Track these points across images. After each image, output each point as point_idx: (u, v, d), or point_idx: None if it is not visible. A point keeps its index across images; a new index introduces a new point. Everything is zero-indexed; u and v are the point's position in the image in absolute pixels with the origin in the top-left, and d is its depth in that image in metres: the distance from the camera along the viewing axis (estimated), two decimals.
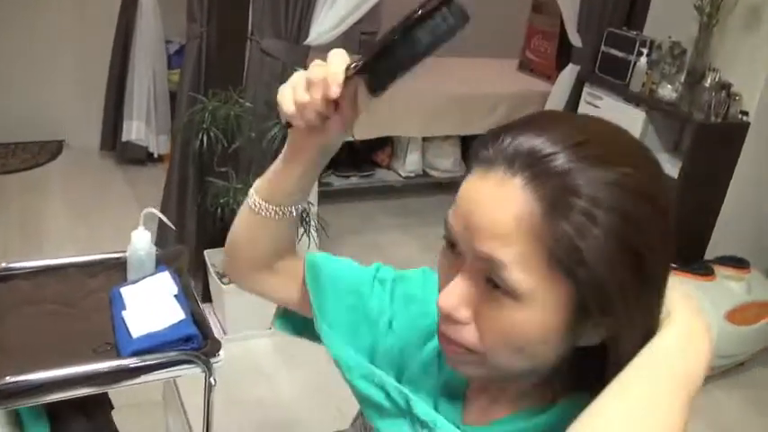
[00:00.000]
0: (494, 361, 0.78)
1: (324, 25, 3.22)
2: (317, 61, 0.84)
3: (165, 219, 2.08)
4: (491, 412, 0.90)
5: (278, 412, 2.94)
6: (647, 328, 0.75)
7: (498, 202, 0.72)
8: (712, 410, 3.25)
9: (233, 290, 3.21)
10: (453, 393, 0.95)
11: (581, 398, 0.76)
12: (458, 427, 0.89)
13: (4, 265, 1.96)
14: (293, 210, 1.00)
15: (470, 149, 0.80)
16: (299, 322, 1.18)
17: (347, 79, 0.81)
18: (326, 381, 3.13)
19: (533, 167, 0.71)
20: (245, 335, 3.36)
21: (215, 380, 1.79)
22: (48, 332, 1.79)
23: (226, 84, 3.16)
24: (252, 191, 1.01)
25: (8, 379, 1.57)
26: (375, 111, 4.27)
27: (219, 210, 3.08)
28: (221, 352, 1.81)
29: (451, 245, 0.80)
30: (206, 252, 3.38)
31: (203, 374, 1.80)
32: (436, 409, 0.93)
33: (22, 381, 1.59)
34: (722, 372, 3.46)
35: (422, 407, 0.91)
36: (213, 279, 3.27)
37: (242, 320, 3.34)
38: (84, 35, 4.88)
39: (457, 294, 0.77)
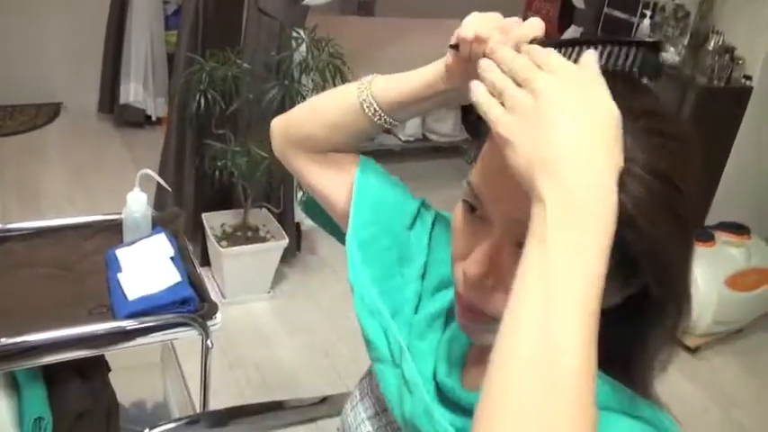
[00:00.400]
0: None
1: None
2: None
3: (160, 180, 2.06)
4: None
5: (276, 375, 2.94)
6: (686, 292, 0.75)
7: None
8: (710, 376, 3.26)
9: (231, 253, 3.20)
10: (454, 354, 0.92)
11: None
12: (454, 390, 0.87)
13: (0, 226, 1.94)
14: (392, 122, 0.97)
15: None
16: (327, 215, 1.13)
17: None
18: (325, 344, 3.14)
19: None
20: (243, 298, 3.36)
21: (212, 342, 1.78)
22: (43, 295, 1.77)
23: (223, 44, 3.12)
24: (366, 84, 0.97)
25: (3, 341, 1.55)
26: (374, 72, 4.24)
27: (217, 172, 3.06)
28: (218, 315, 1.79)
29: (472, 208, 0.76)
30: (204, 215, 3.37)
31: (200, 337, 1.78)
32: (435, 367, 0.91)
33: (18, 343, 1.58)
34: (721, 338, 3.46)
35: (409, 367, 0.89)
36: (212, 242, 3.26)
37: (241, 284, 3.34)
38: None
39: (485, 261, 0.73)
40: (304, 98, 3.07)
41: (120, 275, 1.78)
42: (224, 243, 3.26)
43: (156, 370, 2.37)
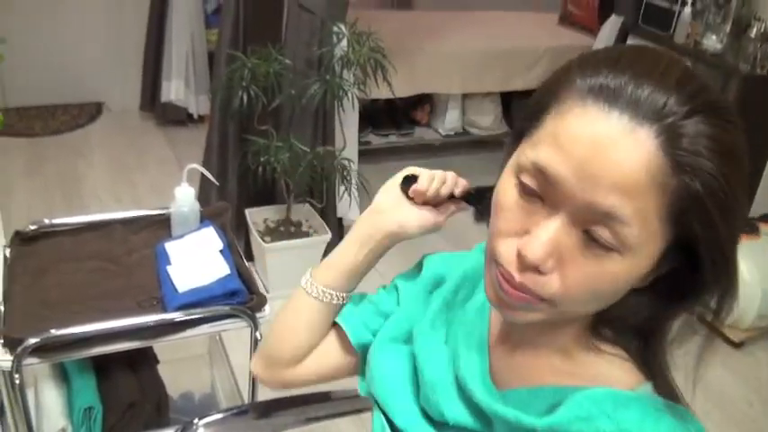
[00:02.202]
0: (566, 307, 0.76)
1: None
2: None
3: (209, 174, 2.08)
4: (516, 365, 0.89)
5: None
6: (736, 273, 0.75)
7: (628, 153, 0.66)
8: (754, 370, 3.22)
9: (274, 248, 3.22)
10: (477, 340, 0.94)
11: (596, 392, 0.78)
12: (484, 382, 0.88)
13: (46, 221, 1.97)
14: (345, 296, 1.09)
15: (562, 78, 0.74)
16: None
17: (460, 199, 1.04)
18: None
19: (663, 121, 0.67)
20: (286, 293, 3.35)
21: (261, 334, 1.80)
22: (92, 287, 1.80)
23: (265, 41, 3.14)
24: (309, 281, 1.09)
25: (53, 332, 1.58)
26: (414, 68, 4.24)
27: (260, 168, 3.08)
28: (267, 307, 1.81)
29: (528, 189, 0.74)
30: (247, 211, 3.40)
31: (247, 330, 1.80)
32: (456, 357, 0.93)
33: (68, 334, 1.61)
34: (765, 332, 3.40)
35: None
36: (255, 238, 3.28)
37: (283, 279, 3.35)
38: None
39: (546, 244, 0.72)
40: (345, 93, 3.08)
41: (169, 268, 1.81)
42: (267, 238, 3.28)
43: (203, 362, 2.40)
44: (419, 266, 1.13)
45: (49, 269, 1.84)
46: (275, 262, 3.28)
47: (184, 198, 1.95)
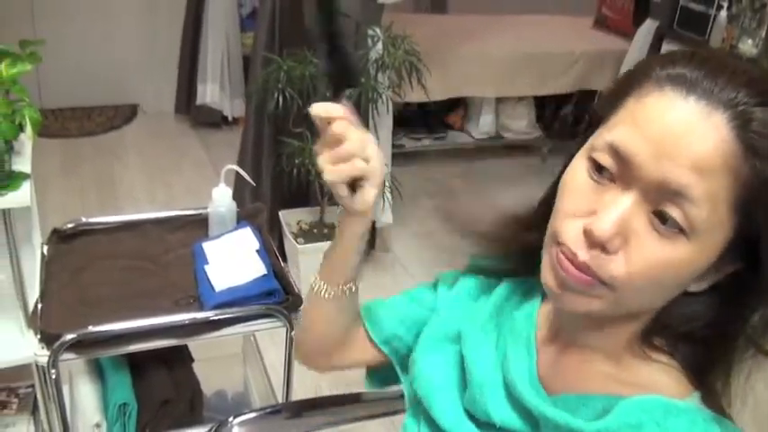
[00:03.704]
0: (624, 295, 0.75)
1: None
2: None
3: (245, 174, 2.09)
4: (564, 370, 0.89)
5: (351, 371, 2.94)
6: None
7: (704, 134, 0.69)
8: None
9: (307, 250, 3.23)
10: (525, 343, 0.93)
11: (646, 400, 0.77)
12: (533, 384, 0.87)
13: (84, 219, 1.99)
14: (352, 286, 1.10)
15: (641, 70, 0.77)
16: (384, 376, 1.28)
17: None
18: None
19: (736, 108, 0.69)
20: None
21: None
22: (129, 285, 1.81)
23: (300, 44, 3.15)
24: (315, 279, 1.12)
25: (91, 328, 1.59)
26: (448, 71, 4.23)
27: (295, 170, 3.09)
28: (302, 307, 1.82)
29: (599, 168, 0.76)
30: (281, 212, 3.41)
31: (280, 330, 1.80)
32: (504, 360, 0.92)
33: (105, 331, 1.62)
34: None
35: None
36: (288, 239, 3.29)
37: None
38: (156, 2, 4.93)
39: (616, 221, 0.73)
40: (380, 95, 3.08)
41: (207, 267, 1.81)
42: (300, 240, 3.29)
43: (237, 361, 2.41)
44: (459, 273, 1.14)
45: (87, 267, 1.85)
46: (308, 263, 3.29)
47: (222, 198, 1.96)
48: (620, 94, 0.77)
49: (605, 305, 0.77)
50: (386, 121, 3.41)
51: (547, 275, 0.80)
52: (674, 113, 0.70)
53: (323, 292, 1.09)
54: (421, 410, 1.02)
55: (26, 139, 1.86)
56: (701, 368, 0.82)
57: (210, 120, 4.98)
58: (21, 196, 1.64)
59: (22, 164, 1.76)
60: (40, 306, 1.69)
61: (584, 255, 0.75)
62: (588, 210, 0.75)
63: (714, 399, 0.80)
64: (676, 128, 0.69)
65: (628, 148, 0.72)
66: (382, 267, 3.72)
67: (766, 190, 0.69)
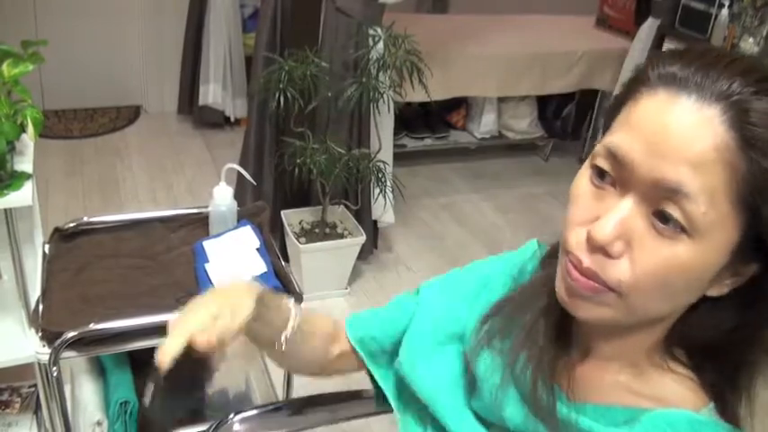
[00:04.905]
0: (633, 301, 0.75)
1: None
2: None
3: (245, 174, 2.10)
4: (582, 379, 0.88)
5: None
6: None
7: (696, 129, 0.69)
8: None
9: (309, 249, 3.23)
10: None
11: (672, 413, 0.77)
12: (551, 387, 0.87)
13: (85, 219, 1.99)
14: (282, 338, 1.10)
15: (637, 77, 0.78)
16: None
17: None
18: None
19: (730, 99, 0.69)
20: (321, 294, 3.39)
21: None
22: (130, 283, 1.82)
23: (302, 44, 3.15)
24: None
25: (92, 326, 1.60)
26: (450, 71, 4.23)
27: (296, 170, 3.10)
28: (303, 305, 1.82)
29: (601, 173, 0.76)
30: (283, 212, 3.41)
31: None
32: (514, 365, 0.91)
33: (106, 328, 1.63)
34: None
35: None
36: (290, 239, 3.30)
37: (318, 280, 3.37)
38: (159, 1, 4.93)
39: (616, 225, 0.73)
40: (381, 95, 3.09)
41: (207, 266, 1.82)
42: (302, 239, 3.29)
43: (237, 359, 2.41)
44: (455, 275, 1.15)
45: (88, 266, 1.86)
46: (310, 263, 3.29)
47: (222, 197, 1.97)
48: (621, 101, 0.78)
49: (617, 313, 0.77)
50: (387, 121, 3.41)
51: (558, 284, 0.81)
52: (666, 112, 0.71)
53: (267, 352, 1.13)
54: (427, 415, 1.02)
55: (28, 140, 1.87)
56: (719, 380, 0.82)
57: (213, 120, 4.98)
58: (23, 196, 1.64)
59: (25, 164, 1.77)
60: (41, 304, 1.70)
61: (588, 260, 0.75)
62: (592, 216, 0.76)
63: (728, 410, 0.80)
64: (669, 126, 0.70)
65: (622, 149, 0.73)
66: (385, 267, 3.72)
67: (763, 182, 0.69)
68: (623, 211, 0.73)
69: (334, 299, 3.43)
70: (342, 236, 3.38)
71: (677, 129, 0.69)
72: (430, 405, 1.00)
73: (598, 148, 0.77)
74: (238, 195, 3.31)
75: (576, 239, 0.77)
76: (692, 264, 0.72)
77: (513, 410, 0.89)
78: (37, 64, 2.06)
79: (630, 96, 0.76)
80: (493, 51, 4.52)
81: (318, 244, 3.28)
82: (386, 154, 3.39)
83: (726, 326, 0.80)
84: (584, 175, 0.79)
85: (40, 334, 1.62)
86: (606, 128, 0.81)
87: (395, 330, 1.14)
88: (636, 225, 0.73)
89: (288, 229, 3.33)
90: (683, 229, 0.70)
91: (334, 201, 3.41)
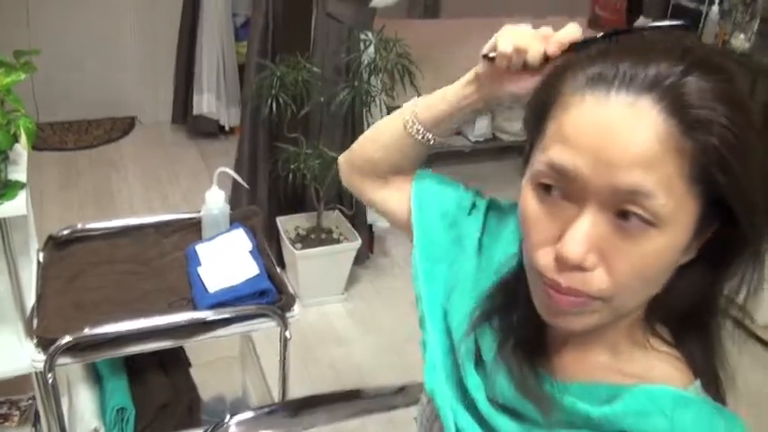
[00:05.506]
0: (620, 301, 0.74)
1: None
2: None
3: (237, 177, 2.11)
4: (564, 362, 0.87)
5: (351, 375, 2.96)
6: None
7: (635, 126, 0.67)
8: None
9: (305, 255, 3.24)
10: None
11: (655, 389, 0.76)
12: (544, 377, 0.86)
13: (79, 226, 2.00)
14: (434, 138, 1.05)
15: (553, 83, 0.75)
16: None
17: (566, 52, 0.85)
18: (398, 345, 3.15)
19: (661, 85, 0.67)
20: (318, 300, 3.39)
21: (290, 334, 1.81)
22: (124, 289, 1.82)
23: (293, 49, 3.16)
24: (410, 108, 1.06)
25: (86, 331, 1.60)
26: (442, 74, 4.23)
27: (290, 175, 3.10)
28: (296, 306, 1.82)
29: (548, 188, 0.74)
30: (278, 219, 3.42)
31: (278, 330, 1.81)
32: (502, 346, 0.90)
33: (101, 333, 1.63)
34: None
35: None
36: (286, 245, 3.30)
37: (315, 286, 3.37)
38: (151, 12, 4.94)
39: (583, 240, 0.71)
40: (374, 99, 3.10)
41: (200, 269, 1.82)
42: (298, 245, 3.29)
43: (234, 364, 2.41)
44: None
45: (82, 273, 1.86)
46: (307, 269, 3.30)
47: (215, 201, 1.97)
48: (543, 113, 0.76)
49: (604, 316, 0.76)
50: None
51: (540, 308, 0.80)
52: (601, 116, 0.68)
53: (408, 126, 1.05)
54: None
55: (22, 150, 1.88)
56: (702, 355, 0.81)
57: (207, 129, 4.99)
58: (17, 205, 1.65)
59: (18, 173, 1.78)
60: (35, 312, 1.70)
61: (565, 280, 0.73)
62: (554, 235, 0.74)
63: (714, 387, 0.80)
64: (607, 130, 0.68)
65: (566, 166, 0.70)
66: (382, 272, 3.73)
67: (716, 157, 0.67)
68: (586, 224, 0.71)
69: (332, 305, 3.43)
70: (338, 241, 3.39)
71: (616, 131, 0.67)
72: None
73: (539, 166, 0.74)
74: (233, 202, 3.32)
75: (544, 261, 0.75)
76: (666, 251, 0.71)
77: (502, 385, 0.89)
78: (29, 73, 2.07)
79: (556, 106, 0.74)
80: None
81: (314, 250, 3.28)
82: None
83: (699, 287, 0.80)
84: (529, 198, 0.76)
85: (35, 341, 1.62)
86: (531, 139, 0.79)
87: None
88: (602, 233, 0.71)
89: (283, 235, 3.33)
90: (649, 223, 0.69)
91: (330, 206, 3.41)
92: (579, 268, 0.72)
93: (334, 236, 3.42)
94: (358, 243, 3.35)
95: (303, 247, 3.29)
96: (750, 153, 0.69)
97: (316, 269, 3.32)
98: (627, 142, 0.67)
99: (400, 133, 1.06)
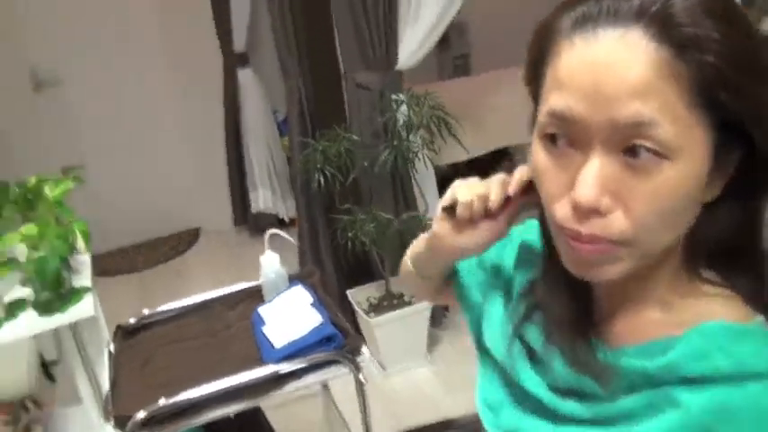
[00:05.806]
0: (643, 243, 0.73)
1: (411, 44, 3.23)
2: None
3: (285, 235, 2.14)
4: (617, 329, 0.85)
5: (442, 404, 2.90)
6: None
7: (627, 58, 0.67)
8: None
9: (380, 322, 3.22)
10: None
11: (707, 326, 0.75)
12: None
13: (146, 312, 2.04)
14: (438, 278, 1.12)
15: (544, 34, 0.76)
16: None
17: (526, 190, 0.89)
18: None
19: (648, 13, 0.67)
20: (404, 366, 3.35)
21: (364, 378, 1.79)
22: (194, 363, 1.84)
23: (330, 123, 3.23)
24: (408, 255, 1.14)
25: (161, 402, 1.62)
26: (483, 124, 4.25)
27: (350, 244, 3.12)
28: (364, 348, 1.81)
29: (553, 139, 0.74)
30: (349, 292, 3.42)
31: (351, 375, 1.80)
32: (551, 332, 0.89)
33: (174, 403, 1.64)
34: None
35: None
36: (360, 316, 3.30)
37: (397, 353, 3.34)
38: (194, 127, 5.10)
39: (594, 182, 0.70)
40: (416, 155, 3.12)
41: (264, 328, 1.83)
42: (372, 315, 3.28)
43: (317, 427, 2.39)
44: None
45: (153, 355, 1.89)
46: (384, 336, 3.28)
47: (270, 264, 2.00)
48: (537, 65, 0.77)
49: (632, 262, 0.75)
50: (429, 180, 3.43)
51: (566, 261, 0.79)
52: (592, 55, 0.69)
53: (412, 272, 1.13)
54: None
55: (82, 255, 1.94)
56: (757, 289, 0.79)
57: (268, 225, 5.05)
58: (84, 308, 1.71)
59: (82, 280, 1.84)
60: (111, 395, 1.73)
61: (585, 228, 0.73)
62: (567, 185, 0.73)
63: None
64: (599, 68, 0.68)
65: (566, 110, 0.71)
66: (460, 330, 3.67)
67: (715, 74, 0.66)
68: (595, 167, 0.70)
69: (418, 369, 3.38)
70: (409, 303, 3.36)
71: (609, 66, 0.67)
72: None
73: (542, 118, 0.74)
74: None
75: (562, 213, 0.75)
76: (682, 183, 0.70)
77: (559, 368, 0.86)
78: (77, 183, 2.16)
79: (548, 56, 0.74)
80: (522, 96, 4.52)
81: (387, 315, 3.26)
82: (435, 213, 3.39)
83: (732, 225, 0.78)
84: (539, 151, 0.77)
85: (112, 422, 1.64)
86: (535, 97, 0.79)
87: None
88: (613, 173, 0.70)
89: (356, 307, 3.33)
90: (659, 155, 0.68)
91: (394, 272, 3.40)
92: (597, 213, 0.71)
93: (406, 299, 3.40)
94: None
95: (376, 315, 3.27)
96: (751, 65, 0.68)
97: (393, 335, 3.29)
98: (621, 75, 0.67)
99: (415, 275, 1.13)
